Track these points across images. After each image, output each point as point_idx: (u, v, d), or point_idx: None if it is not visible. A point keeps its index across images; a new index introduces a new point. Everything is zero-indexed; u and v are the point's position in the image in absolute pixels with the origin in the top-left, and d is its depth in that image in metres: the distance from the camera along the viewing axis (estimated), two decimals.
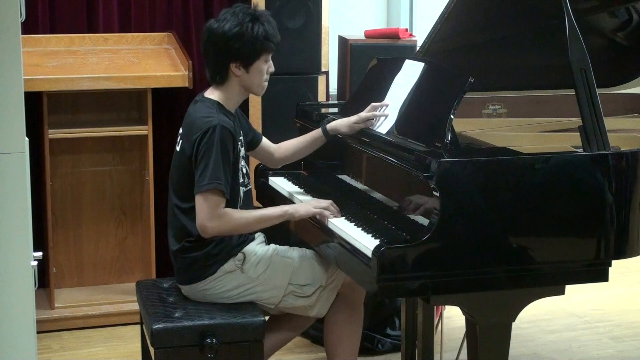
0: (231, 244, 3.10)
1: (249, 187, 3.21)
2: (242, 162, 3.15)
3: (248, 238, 3.16)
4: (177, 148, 3.15)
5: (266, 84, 3.17)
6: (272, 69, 3.16)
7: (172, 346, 2.97)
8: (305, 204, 3.09)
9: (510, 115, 3.80)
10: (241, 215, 3.04)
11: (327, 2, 4.45)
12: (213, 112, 3.05)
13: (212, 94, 3.15)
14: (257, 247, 3.16)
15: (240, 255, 3.10)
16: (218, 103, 3.11)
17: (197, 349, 2.98)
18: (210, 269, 3.09)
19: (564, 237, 2.75)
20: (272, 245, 3.21)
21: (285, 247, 3.21)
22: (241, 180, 3.12)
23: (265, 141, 3.39)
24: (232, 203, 3.04)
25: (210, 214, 2.97)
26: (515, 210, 2.68)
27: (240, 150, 3.12)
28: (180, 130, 3.17)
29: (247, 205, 3.18)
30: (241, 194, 3.12)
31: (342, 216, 3.01)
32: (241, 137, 3.15)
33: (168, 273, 3.60)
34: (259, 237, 3.24)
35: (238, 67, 3.09)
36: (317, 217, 3.04)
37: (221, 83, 3.13)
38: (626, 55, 3.79)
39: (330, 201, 3.06)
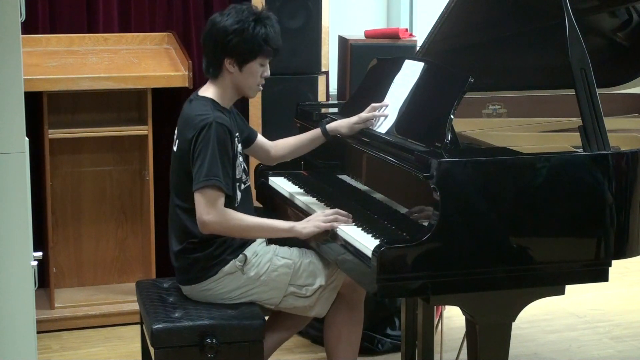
0: (233, 246, 3.10)
1: (248, 183, 3.20)
2: (240, 159, 3.15)
3: (250, 239, 3.15)
4: (174, 148, 3.15)
5: (260, 88, 3.16)
6: (267, 73, 3.14)
7: (172, 346, 2.97)
8: (312, 222, 2.99)
9: (510, 115, 3.80)
10: (243, 217, 3.02)
11: (327, 2, 4.46)
12: (208, 109, 3.05)
13: (206, 91, 3.15)
14: (258, 248, 3.15)
15: (241, 257, 3.10)
16: (212, 100, 3.11)
17: (197, 349, 2.98)
18: (212, 270, 3.09)
19: (564, 237, 2.75)
20: (272, 246, 3.21)
21: (285, 248, 3.21)
22: (239, 176, 3.12)
23: (260, 138, 3.39)
24: (229, 199, 3.03)
25: (209, 208, 2.95)
26: (515, 210, 2.67)
27: (237, 146, 3.12)
28: (176, 130, 3.17)
29: (246, 201, 3.17)
30: (239, 190, 3.12)
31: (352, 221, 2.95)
32: (237, 134, 3.15)
33: (168, 273, 3.60)
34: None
35: (232, 64, 3.08)
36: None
37: (214, 77, 3.13)
38: (626, 55, 3.79)
39: (335, 210, 2.99)
